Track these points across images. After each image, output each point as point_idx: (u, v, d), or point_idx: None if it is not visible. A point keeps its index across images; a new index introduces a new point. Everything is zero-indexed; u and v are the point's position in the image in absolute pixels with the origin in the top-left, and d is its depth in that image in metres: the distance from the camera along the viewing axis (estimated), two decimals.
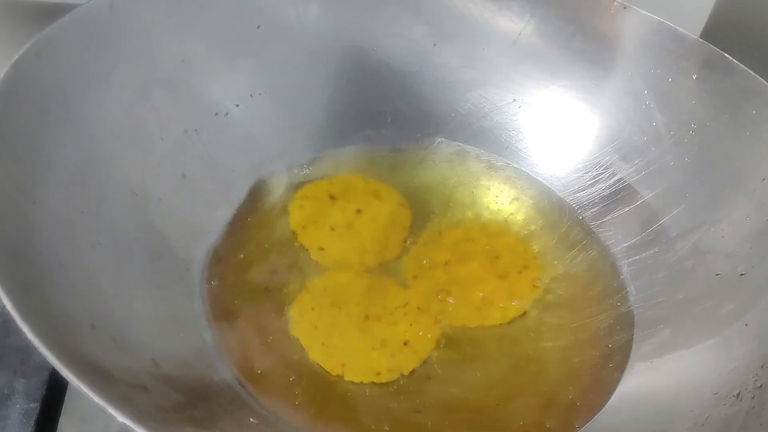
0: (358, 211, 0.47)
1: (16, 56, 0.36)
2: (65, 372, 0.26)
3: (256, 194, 0.47)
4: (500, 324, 0.43)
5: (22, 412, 0.38)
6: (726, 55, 0.46)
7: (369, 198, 0.48)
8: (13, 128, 0.35)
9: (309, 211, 0.47)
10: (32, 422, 0.38)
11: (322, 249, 0.45)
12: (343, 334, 0.41)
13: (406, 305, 0.43)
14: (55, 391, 0.40)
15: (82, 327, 0.33)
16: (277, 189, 0.48)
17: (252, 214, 0.46)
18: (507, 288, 0.45)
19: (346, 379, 0.40)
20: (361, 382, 0.40)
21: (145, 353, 0.35)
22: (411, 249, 0.46)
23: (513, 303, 0.44)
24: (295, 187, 0.48)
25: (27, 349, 0.40)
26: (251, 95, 0.48)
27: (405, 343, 0.41)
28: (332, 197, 0.48)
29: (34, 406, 0.38)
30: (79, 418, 0.40)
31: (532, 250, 0.47)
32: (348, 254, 0.45)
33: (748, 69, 0.45)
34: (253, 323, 0.41)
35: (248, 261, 0.44)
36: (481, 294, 0.44)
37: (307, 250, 0.45)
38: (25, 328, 0.27)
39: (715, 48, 0.46)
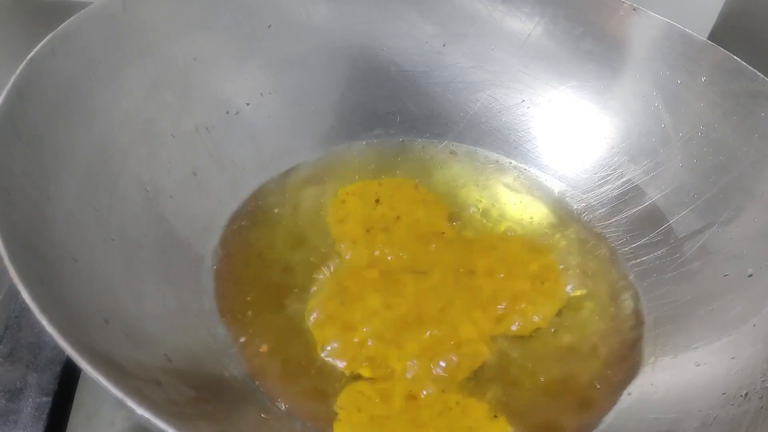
0: (398, 218, 0.47)
1: (32, 52, 0.37)
2: (83, 364, 0.26)
3: (267, 191, 0.47)
4: (520, 333, 0.43)
5: (34, 405, 0.38)
6: (735, 57, 0.46)
7: (413, 206, 0.48)
8: (28, 124, 0.36)
9: (350, 207, 0.47)
10: (44, 416, 0.38)
11: (354, 244, 0.45)
12: (359, 332, 0.41)
13: (428, 312, 0.43)
14: (66, 386, 0.40)
15: (95, 322, 0.33)
16: (290, 186, 0.48)
17: (262, 212, 0.46)
18: (527, 297, 0.44)
19: (356, 374, 0.40)
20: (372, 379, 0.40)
21: (158, 348, 0.35)
22: (437, 256, 0.46)
23: (533, 312, 0.44)
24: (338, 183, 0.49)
25: (39, 343, 0.40)
26: (262, 94, 0.48)
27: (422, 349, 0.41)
28: (377, 199, 0.48)
29: (47, 400, 0.38)
30: (84, 415, 0.40)
31: (547, 254, 0.47)
32: (378, 256, 0.45)
33: (757, 72, 0.45)
34: (264, 318, 0.41)
35: (260, 257, 0.44)
36: (503, 304, 0.44)
37: (336, 244, 0.45)
38: (44, 321, 0.27)
39: (725, 50, 0.47)
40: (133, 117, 0.42)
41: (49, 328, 0.27)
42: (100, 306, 0.34)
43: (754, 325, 0.39)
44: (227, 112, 0.47)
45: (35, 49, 0.37)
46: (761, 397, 0.36)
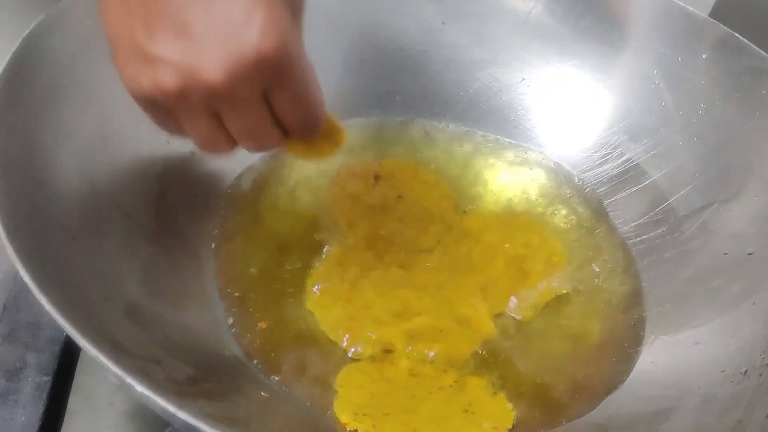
0: (399, 197, 0.47)
1: (28, 30, 0.36)
2: (83, 342, 0.26)
3: (266, 170, 0.47)
4: (520, 313, 0.43)
5: (34, 385, 0.38)
6: (737, 35, 0.46)
7: (413, 186, 0.48)
8: (25, 101, 0.35)
9: (351, 186, 0.47)
10: (44, 395, 0.38)
11: (352, 226, 0.45)
12: (358, 310, 0.41)
13: (424, 291, 0.43)
14: (66, 365, 0.40)
15: (95, 301, 0.33)
16: (289, 165, 0.48)
17: (262, 191, 0.46)
18: (527, 276, 0.45)
19: (356, 351, 0.40)
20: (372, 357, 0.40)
21: (158, 327, 0.35)
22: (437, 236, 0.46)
23: (533, 291, 0.44)
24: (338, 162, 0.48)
25: (38, 323, 0.40)
26: None
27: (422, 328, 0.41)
28: (377, 177, 0.48)
29: (46, 380, 0.38)
30: (84, 395, 0.40)
31: (547, 234, 0.47)
32: (378, 235, 0.45)
33: (759, 49, 0.45)
34: (264, 297, 0.41)
35: (260, 236, 0.44)
36: (503, 283, 0.44)
37: (336, 223, 0.45)
38: (43, 301, 0.27)
39: (726, 28, 0.46)
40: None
41: (49, 308, 0.27)
42: (99, 285, 0.34)
43: (754, 304, 0.40)
44: None
45: (31, 27, 0.36)
46: (761, 375, 0.36)
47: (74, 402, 0.40)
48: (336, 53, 0.50)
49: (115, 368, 0.25)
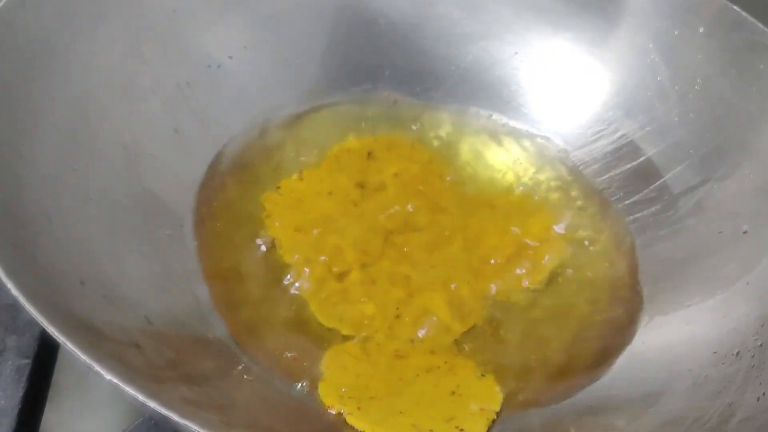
0: (393, 175, 0.46)
1: (0, 5, 0.35)
2: (51, 329, 0.25)
3: (252, 148, 0.46)
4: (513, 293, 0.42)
5: (14, 368, 0.38)
6: (735, 7, 0.45)
7: (407, 163, 0.47)
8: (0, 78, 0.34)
9: (344, 163, 0.46)
10: (24, 378, 0.37)
11: (347, 204, 0.44)
12: (347, 290, 0.41)
13: (416, 270, 0.42)
14: (47, 348, 0.39)
15: (71, 284, 0.32)
16: (275, 143, 0.47)
17: (247, 170, 0.45)
18: (521, 256, 0.44)
19: (342, 333, 0.39)
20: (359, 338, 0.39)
21: (138, 310, 0.35)
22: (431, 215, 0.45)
23: (526, 271, 0.43)
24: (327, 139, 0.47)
25: (18, 305, 0.39)
26: (245, 47, 0.47)
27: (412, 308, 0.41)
28: (370, 154, 0.47)
29: (27, 363, 0.38)
30: (73, 373, 0.40)
31: (541, 212, 0.46)
32: (370, 214, 0.44)
33: (757, 22, 0.44)
34: (249, 279, 0.41)
35: (246, 216, 0.43)
36: (497, 264, 0.43)
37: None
38: (10, 285, 0.26)
39: (725, 0, 0.45)
40: (111, 73, 0.41)
41: (15, 292, 0.26)
42: (76, 268, 0.33)
43: (748, 283, 0.39)
44: (209, 67, 0.46)
45: (3, 1, 0.35)
46: (753, 356, 0.35)
47: (62, 380, 0.39)
48: (322, 26, 0.49)
49: (82, 355, 0.25)
